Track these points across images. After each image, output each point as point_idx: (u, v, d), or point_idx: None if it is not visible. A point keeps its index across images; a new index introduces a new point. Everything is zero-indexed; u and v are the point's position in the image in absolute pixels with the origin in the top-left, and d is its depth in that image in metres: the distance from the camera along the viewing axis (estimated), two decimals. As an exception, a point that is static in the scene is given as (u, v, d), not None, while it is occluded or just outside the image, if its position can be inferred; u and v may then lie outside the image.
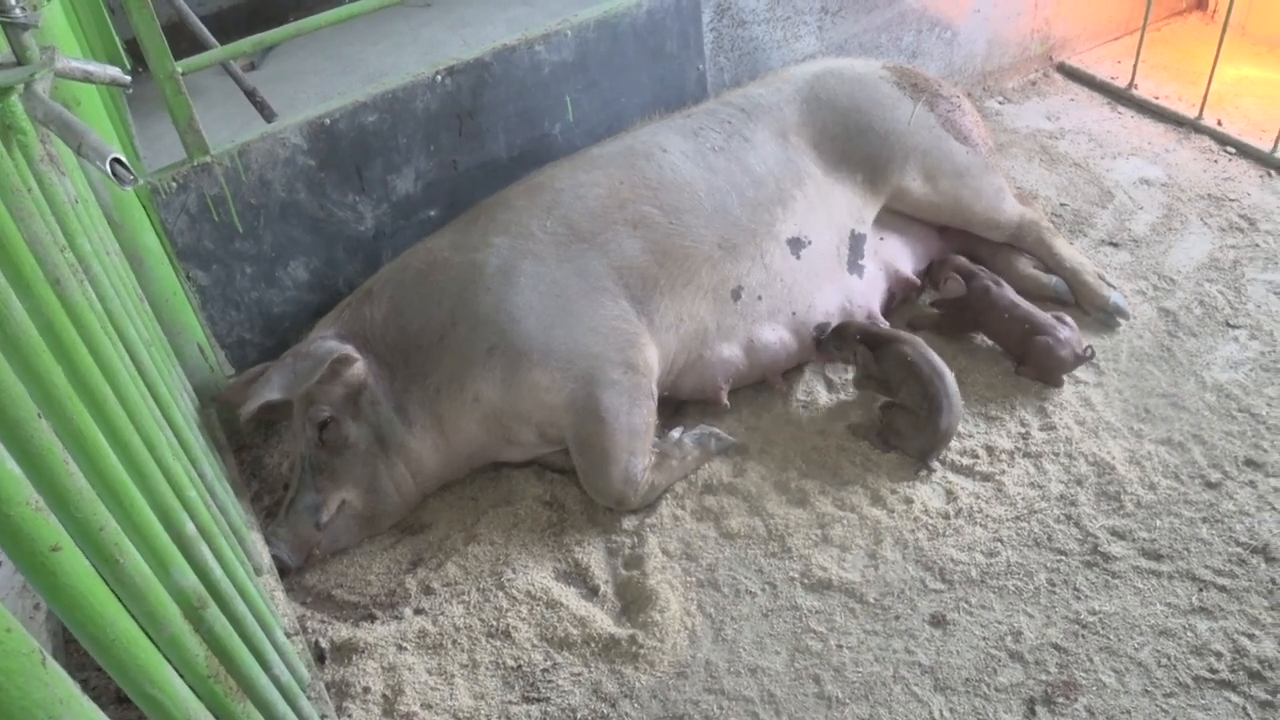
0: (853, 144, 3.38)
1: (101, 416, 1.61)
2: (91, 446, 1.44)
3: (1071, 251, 3.56)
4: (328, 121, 3.19)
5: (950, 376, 3.02)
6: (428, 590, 2.86)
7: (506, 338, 2.91)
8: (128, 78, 2.19)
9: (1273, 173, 4.10)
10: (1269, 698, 2.33)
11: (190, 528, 1.88)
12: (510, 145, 3.52)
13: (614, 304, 3.00)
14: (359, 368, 2.95)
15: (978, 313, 3.35)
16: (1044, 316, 3.26)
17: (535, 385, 2.91)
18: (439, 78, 3.30)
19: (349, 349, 2.92)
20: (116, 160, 1.73)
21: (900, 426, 3.03)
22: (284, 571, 2.88)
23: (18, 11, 1.88)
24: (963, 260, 3.45)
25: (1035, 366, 3.25)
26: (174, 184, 3.01)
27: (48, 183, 2.01)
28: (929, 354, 3.06)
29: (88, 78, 2.14)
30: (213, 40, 4.48)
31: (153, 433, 1.92)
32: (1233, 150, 4.27)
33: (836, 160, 3.37)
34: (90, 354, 1.64)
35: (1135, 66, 4.67)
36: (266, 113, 4.66)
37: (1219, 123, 4.41)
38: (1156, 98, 4.62)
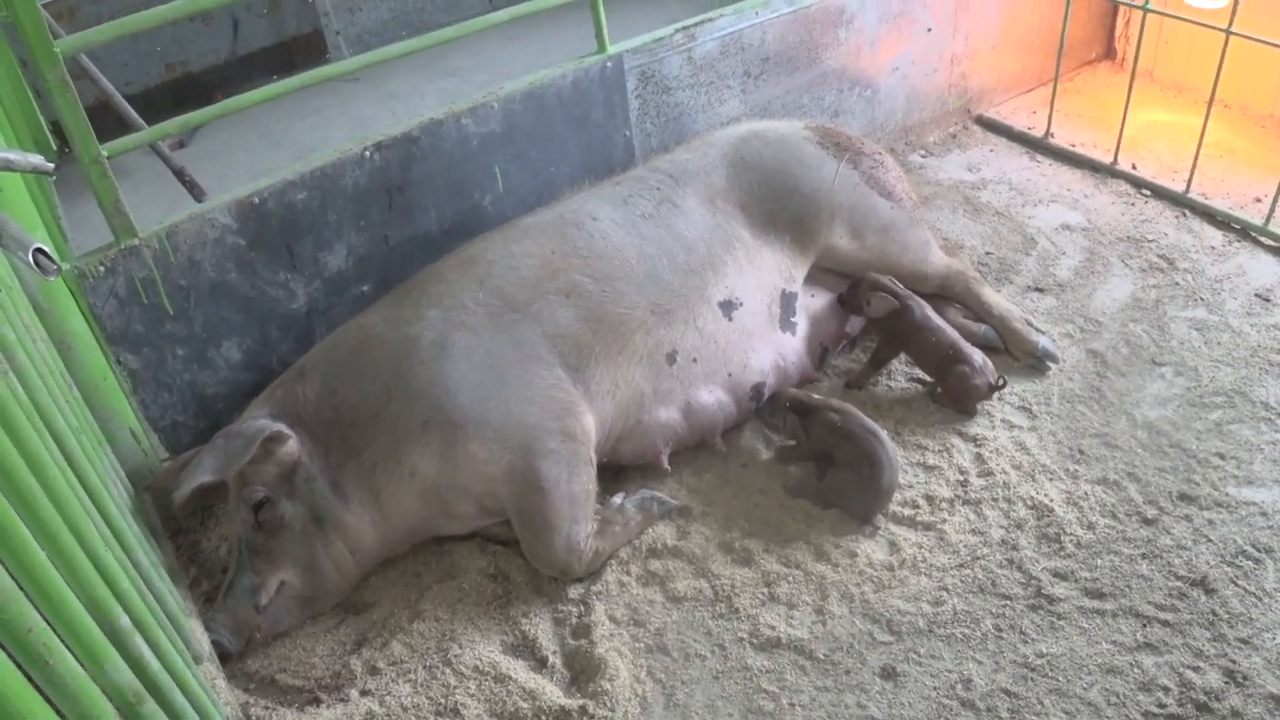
0: (779, 205, 3.44)
1: (28, 512, 1.57)
2: (17, 544, 1.41)
3: (999, 299, 3.64)
4: (256, 200, 3.18)
5: (885, 435, 3.05)
6: (373, 670, 2.81)
7: (442, 411, 2.89)
8: (50, 165, 2.16)
9: (1187, 212, 4.24)
10: (1216, 731, 2.36)
11: (125, 620, 1.83)
12: (441, 218, 3.53)
13: (549, 373, 3.00)
14: (291, 445, 2.90)
15: (904, 332, 3.39)
16: (965, 345, 3.32)
17: (473, 458, 2.89)
18: (367, 153, 3.31)
19: (280, 426, 2.88)
20: (39, 250, 1.71)
21: (842, 487, 3.04)
22: (225, 657, 2.81)
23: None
24: (886, 280, 3.45)
25: (950, 394, 3.30)
26: (101, 268, 2.97)
27: (-34, 274, 1.98)
28: (860, 417, 3.09)
29: (9, 166, 2.11)
30: (139, 120, 4.46)
31: (82, 524, 1.88)
32: (1148, 193, 4.41)
33: (764, 222, 3.42)
34: (15, 448, 1.61)
35: (1050, 116, 4.81)
36: (196, 191, 4.63)
37: (1134, 166, 4.56)
38: (1073, 145, 4.76)
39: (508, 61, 6.46)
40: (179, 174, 4.58)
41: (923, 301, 3.43)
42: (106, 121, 4.15)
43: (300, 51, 7.25)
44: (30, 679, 1.32)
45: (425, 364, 2.92)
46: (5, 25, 3.56)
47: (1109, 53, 5.52)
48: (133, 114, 4.50)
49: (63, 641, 1.43)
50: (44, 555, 1.51)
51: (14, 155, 2.10)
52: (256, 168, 5.54)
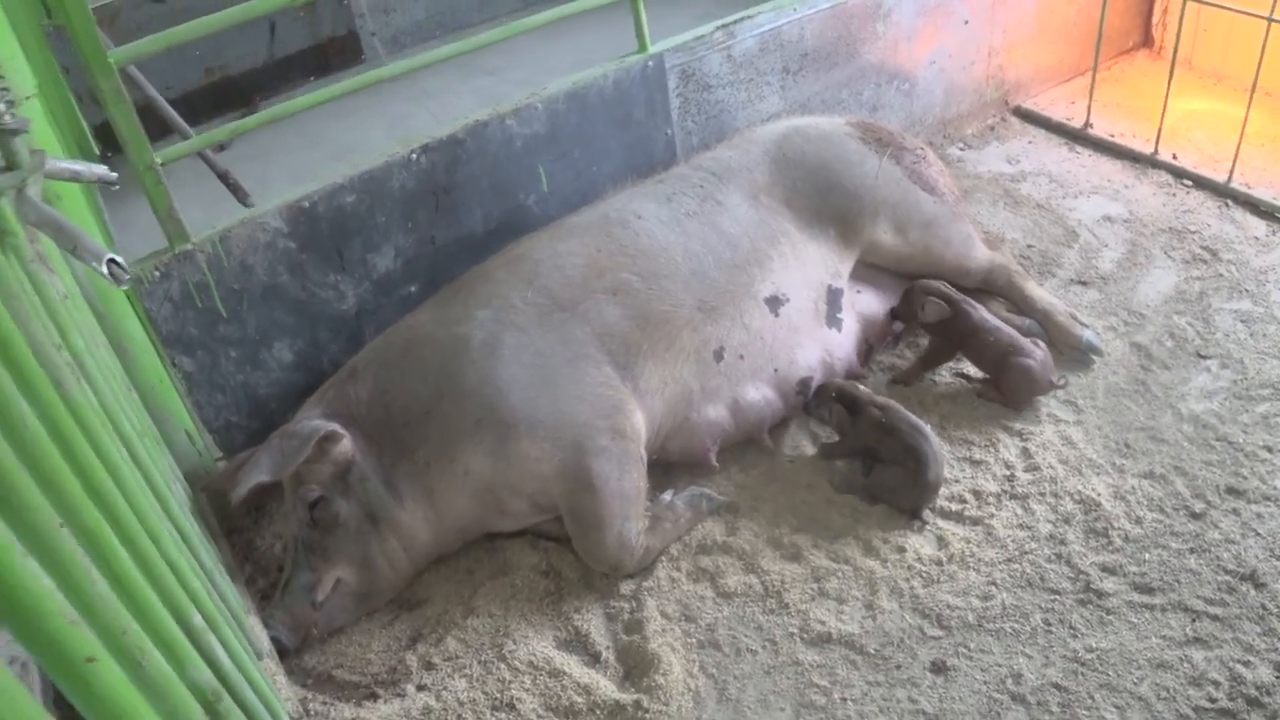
0: (824, 201, 3.46)
1: (112, 518, 1.62)
2: (108, 550, 1.46)
3: (1042, 293, 3.64)
4: (307, 204, 3.23)
5: (929, 430, 3.07)
6: (429, 666, 2.86)
7: (494, 410, 2.93)
8: (114, 175, 2.22)
9: (1229, 203, 4.22)
10: (1269, 724, 2.38)
11: (198, 619, 1.88)
12: (486, 218, 3.58)
13: (598, 371, 3.04)
14: (345, 444, 2.96)
15: (962, 335, 3.40)
16: (1023, 340, 3.33)
17: (525, 456, 2.94)
18: (414, 156, 3.35)
19: (335, 426, 2.93)
20: (112, 260, 1.76)
21: (890, 483, 3.07)
22: (283, 654, 2.87)
23: (8, 118, 1.91)
24: (937, 284, 3.46)
25: (1008, 388, 3.31)
26: (156, 272, 3.04)
27: (40, 282, 2.03)
28: (903, 413, 3.11)
29: (75, 177, 2.17)
30: (186, 128, 4.52)
31: (157, 527, 1.93)
32: (1189, 183, 4.39)
33: (809, 218, 3.45)
34: (95, 454, 1.66)
35: (1089, 106, 4.80)
36: (241, 195, 4.69)
37: (1174, 156, 4.54)
38: (1112, 136, 4.74)
39: (543, 59, 6.47)
40: (224, 178, 4.64)
41: (976, 303, 3.42)
42: (149, 126, 4.22)
43: (336, 53, 7.32)
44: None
45: (476, 364, 2.97)
46: (50, 33, 3.63)
47: (1146, 40, 5.49)
48: (180, 121, 4.56)
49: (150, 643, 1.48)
50: (129, 559, 1.57)
51: (80, 166, 2.16)
52: (296, 168, 5.59)
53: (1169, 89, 4.43)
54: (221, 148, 6.02)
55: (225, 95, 6.88)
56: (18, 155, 2.02)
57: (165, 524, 2.15)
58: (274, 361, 3.37)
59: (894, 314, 3.52)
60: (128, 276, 1.81)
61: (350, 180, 3.27)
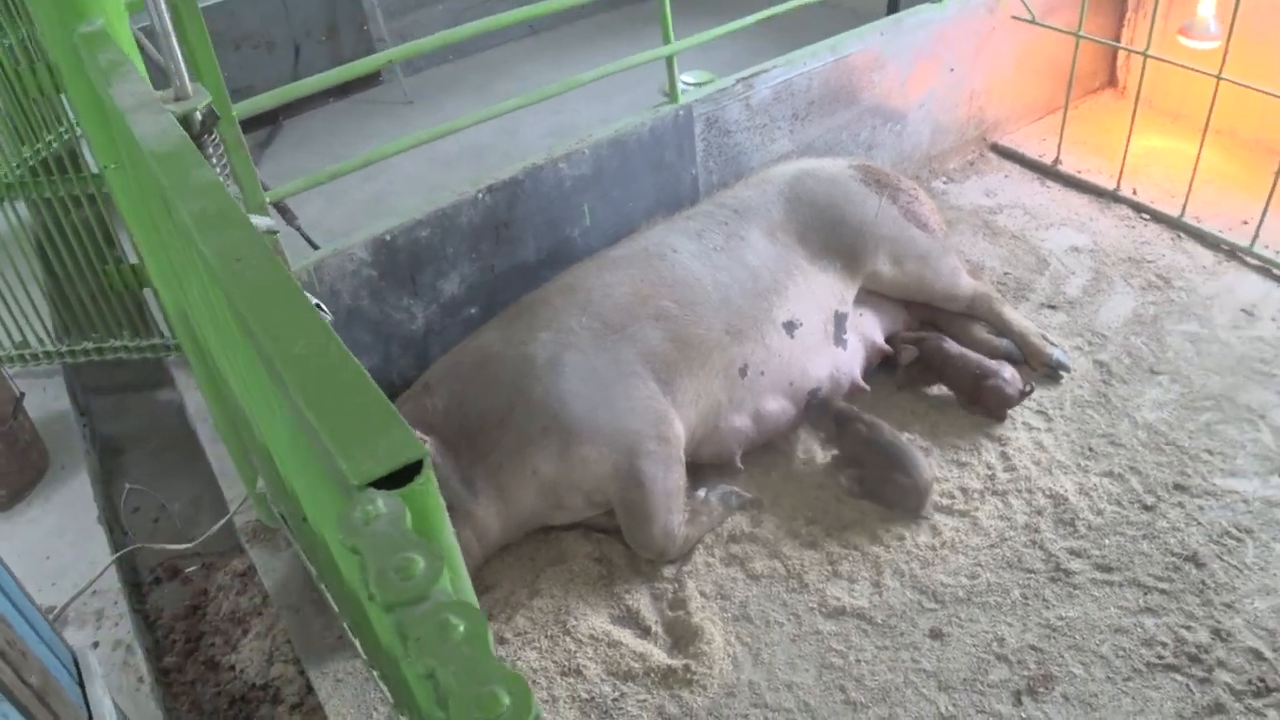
0: (831, 236, 3.98)
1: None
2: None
3: (1018, 316, 4.19)
4: (388, 238, 3.72)
5: (907, 444, 3.61)
6: (502, 640, 3.36)
7: (558, 420, 3.43)
8: (276, 227, 2.72)
9: (1182, 235, 4.79)
10: (1206, 675, 2.94)
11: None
12: (538, 249, 4.08)
13: (645, 386, 3.54)
14: (428, 448, 3.43)
15: (937, 365, 3.96)
16: (990, 363, 3.88)
17: (585, 459, 3.44)
18: (480, 195, 3.85)
19: (418, 433, 3.42)
20: (317, 305, 2.24)
21: (888, 497, 3.58)
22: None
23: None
24: (911, 334, 4.08)
25: (985, 405, 3.86)
26: (260, 300, 3.51)
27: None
28: (886, 430, 3.64)
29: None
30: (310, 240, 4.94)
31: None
32: (1147, 216, 4.95)
33: (818, 251, 3.97)
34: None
35: (1059, 144, 5.36)
36: (309, 240, 5.07)
37: (1134, 192, 5.09)
38: (1079, 172, 5.30)
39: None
40: (292, 223, 5.06)
41: (944, 338, 4.00)
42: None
43: (356, 77, 7.75)
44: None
45: (542, 379, 3.46)
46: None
47: (1112, 81, 6.06)
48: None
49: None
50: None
51: (256, 220, 2.65)
52: (324, 191, 5.98)
53: (1131, 129, 4.98)
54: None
55: (251, 115, 7.31)
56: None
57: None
58: (352, 375, 3.85)
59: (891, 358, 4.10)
60: (329, 318, 2.28)
61: (427, 216, 3.77)
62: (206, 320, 2.39)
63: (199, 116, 2.34)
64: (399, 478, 1.09)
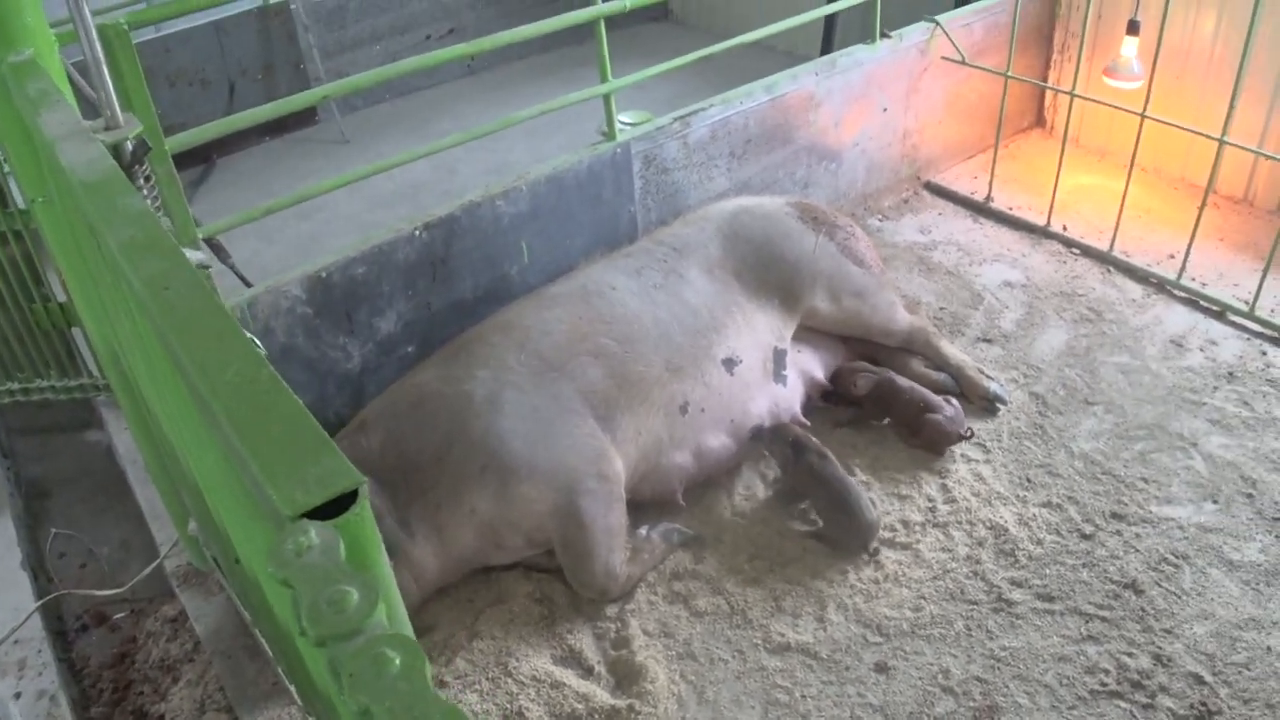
0: (769, 273, 4.00)
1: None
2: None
3: (954, 350, 4.24)
4: (324, 275, 3.66)
5: (853, 483, 3.61)
6: (441, 684, 3.28)
7: (497, 457, 3.39)
8: (209, 262, 2.66)
9: (1111, 269, 4.89)
10: (1149, 701, 2.96)
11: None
12: (476, 286, 4.05)
13: (584, 423, 3.51)
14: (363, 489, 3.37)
15: (886, 399, 3.98)
16: (935, 398, 3.91)
17: (524, 497, 3.39)
18: (417, 232, 3.82)
19: (352, 471, 3.35)
20: (250, 340, 2.19)
21: (834, 536, 3.58)
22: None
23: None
24: (863, 364, 4.10)
25: (925, 439, 3.88)
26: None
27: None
28: (836, 465, 3.64)
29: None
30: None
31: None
32: (1078, 251, 5.05)
33: (756, 288, 3.98)
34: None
35: (991, 182, 5.46)
36: (242, 277, 4.99)
37: (1064, 228, 5.20)
38: (1011, 208, 5.40)
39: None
40: (225, 260, 4.97)
41: (892, 372, 4.03)
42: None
43: (292, 115, 7.70)
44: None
45: (481, 417, 3.42)
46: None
47: (1040, 121, 6.21)
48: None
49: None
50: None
51: (189, 254, 2.59)
52: (258, 229, 5.91)
53: (1060, 166, 5.10)
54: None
55: (184, 152, 7.21)
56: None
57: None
58: (286, 415, 3.77)
59: (831, 394, 4.10)
60: (263, 353, 2.23)
61: (363, 253, 3.72)
62: (136, 355, 2.33)
63: (130, 146, 2.29)
64: (333, 508, 1.05)
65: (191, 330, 1.36)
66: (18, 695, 3.29)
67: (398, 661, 0.85)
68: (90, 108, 2.54)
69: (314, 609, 0.89)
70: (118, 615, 3.66)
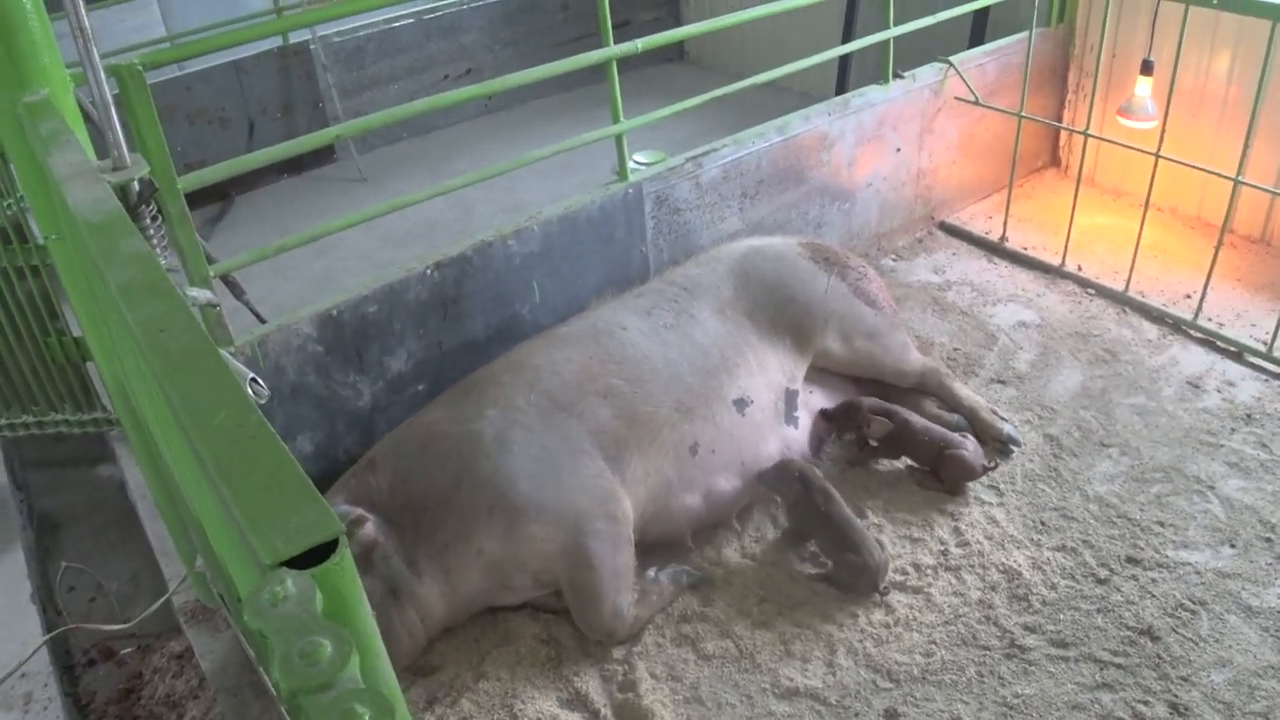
0: (780, 314, 3.99)
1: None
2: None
3: (968, 392, 4.21)
4: (335, 313, 3.68)
5: (860, 525, 3.56)
6: (447, 725, 3.26)
7: (505, 498, 3.37)
8: (217, 301, 2.67)
9: (1126, 309, 4.85)
10: (1162, 754, 2.90)
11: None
12: (487, 325, 4.05)
13: (593, 464, 3.50)
14: (369, 528, 3.36)
15: (903, 440, 3.94)
16: (953, 435, 3.87)
17: (532, 538, 3.37)
18: (429, 271, 3.83)
19: (360, 511, 3.35)
20: (253, 380, 2.19)
21: (844, 581, 3.54)
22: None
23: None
24: (876, 402, 4.04)
25: (947, 477, 3.84)
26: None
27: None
28: (842, 504, 3.59)
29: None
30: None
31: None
32: (1093, 291, 5.02)
33: (768, 328, 3.97)
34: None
35: (1005, 222, 5.44)
36: (256, 314, 5.05)
37: (1079, 268, 5.17)
38: (1025, 248, 5.38)
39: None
40: (240, 297, 5.03)
41: (908, 410, 3.98)
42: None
43: (310, 151, 7.79)
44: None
45: (489, 457, 3.41)
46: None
47: (1054, 160, 6.20)
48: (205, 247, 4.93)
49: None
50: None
51: (195, 293, 2.60)
52: (274, 266, 5.97)
53: (1074, 207, 5.08)
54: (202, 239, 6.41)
55: (204, 190, 7.30)
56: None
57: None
58: (295, 452, 3.75)
59: (825, 416, 4.03)
60: (266, 393, 2.24)
61: (374, 291, 3.73)
62: (142, 392, 2.33)
63: (136, 186, 2.31)
64: (314, 556, 1.03)
65: (183, 373, 1.35)
66: (22, 732, 3.28)
67: (367, 718, 0.83)
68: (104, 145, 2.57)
69: (286, 661, 0.88)
70: (125, 650, 3.65)
